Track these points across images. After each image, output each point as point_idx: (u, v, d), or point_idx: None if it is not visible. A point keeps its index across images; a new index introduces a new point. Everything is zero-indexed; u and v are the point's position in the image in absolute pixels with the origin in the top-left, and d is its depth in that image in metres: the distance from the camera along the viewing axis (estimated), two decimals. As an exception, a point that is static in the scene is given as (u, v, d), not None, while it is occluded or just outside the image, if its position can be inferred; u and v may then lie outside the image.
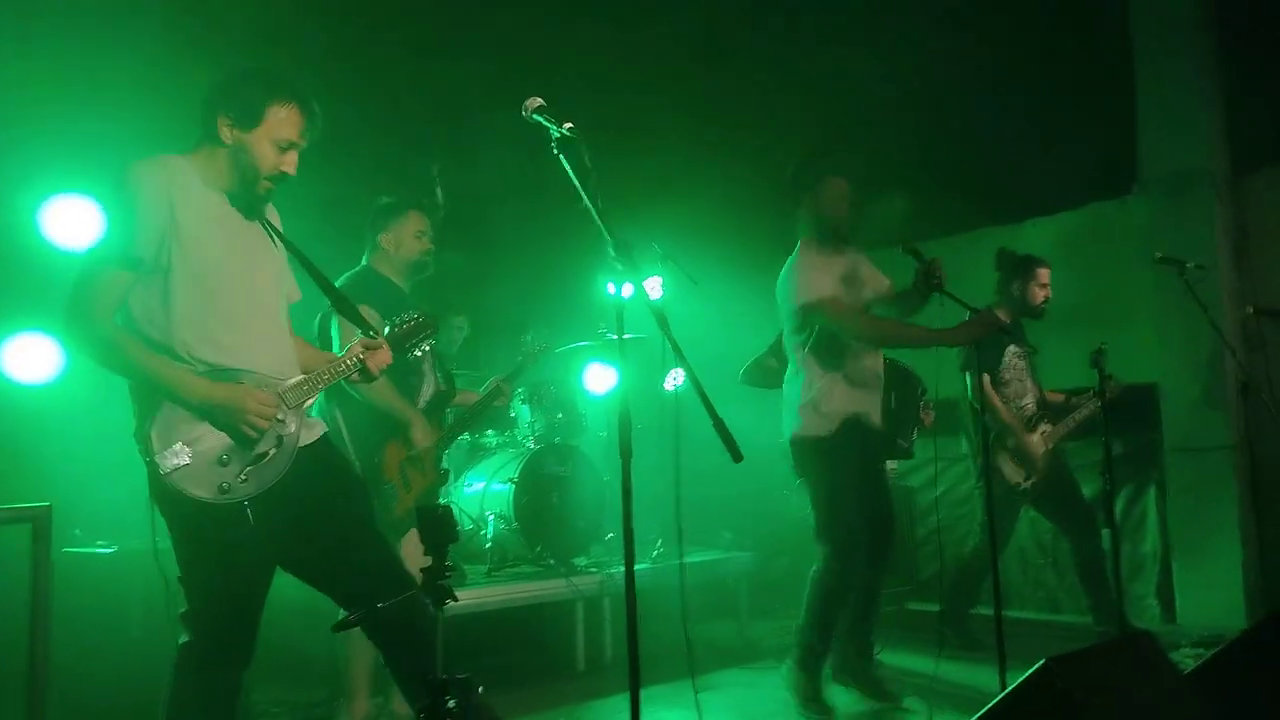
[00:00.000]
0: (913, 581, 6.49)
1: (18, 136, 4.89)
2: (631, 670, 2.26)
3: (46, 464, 4.33)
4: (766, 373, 4.94)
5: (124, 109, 4.99)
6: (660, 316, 2.61)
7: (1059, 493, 5.09)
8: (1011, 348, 5.10)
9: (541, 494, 5.25)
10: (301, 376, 2.70)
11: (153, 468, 2.46)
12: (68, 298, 2.47)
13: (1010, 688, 2.30)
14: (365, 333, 2.83)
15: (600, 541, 5.73)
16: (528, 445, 5.56)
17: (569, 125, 2.52)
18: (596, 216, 2.46)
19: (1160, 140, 5.81)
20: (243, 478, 2.51)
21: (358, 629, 2.67)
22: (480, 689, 2.15)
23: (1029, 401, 5.10)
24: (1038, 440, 5.00)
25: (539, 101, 2.57)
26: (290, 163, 2.66)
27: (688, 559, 5.34)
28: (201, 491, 2.46)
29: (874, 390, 4.09)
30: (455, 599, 2.11)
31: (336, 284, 3.89)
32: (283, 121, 2.61)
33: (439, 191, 5.82)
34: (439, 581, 2.06)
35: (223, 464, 2.50)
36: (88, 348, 2.48)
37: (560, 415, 5.65)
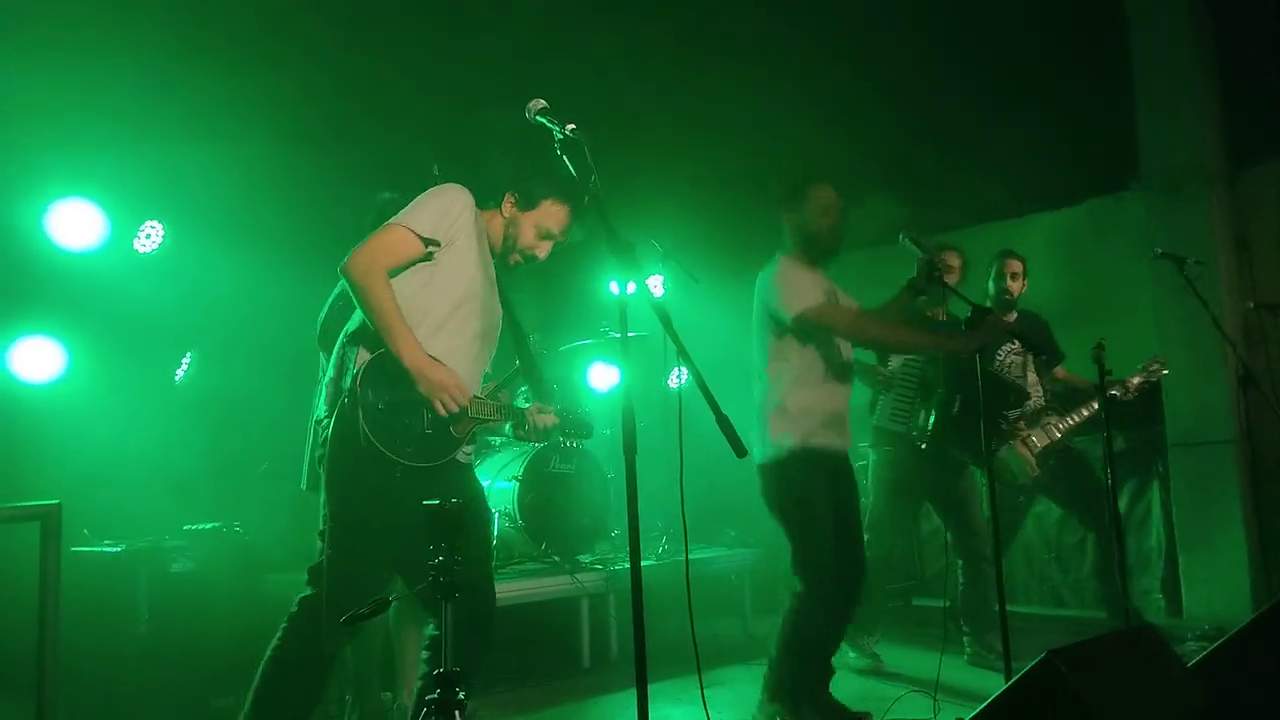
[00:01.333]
0: (918, 577, 6.51)
1: (25, 141, 4.92)
2: (638, 666, 2.27)
3: (55, 464, 4.36)
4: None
5: (129, 114, 5.02)
6: (663, 314, 2.63)
7: (1073, 484, 5.07)
8: (1006, 346, 5.11)
9: (546, 491, 5.27)
10: (482, 399, 2.99)
11: (348, 399, 2.72)
12: (366, 239, 2.83)
13: (1013, 679, 2.32)
14: (542, 400, 3.21)
15: (605, 538, 5.75)
16: (532, 443, 5.57)
17: (571, 126, 2.54)
18: (599, 217, 2.48)
19: (1159, 136, 5.82)
20: (410, 447, 2.76)
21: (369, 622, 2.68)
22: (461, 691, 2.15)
23: (1033, 396, 5.10)
24: (1040, 435, 5.00)
25: (542, 103, 2.59)
26: (544, 250, 3.14)
27: (692, 556, 5.36)
28: (378, 437, 2.70)
29: (844, 407, 3.96)
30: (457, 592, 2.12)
31: (340, 286, 3.93)
32: (552, 215, 3.11)
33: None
34: (447, 575, 2.08)
35: (403, 427, 2.75)
36: (359, 278, 2.77)
37: (579, 445, 5.64)
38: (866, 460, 5.18)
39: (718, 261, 4.71)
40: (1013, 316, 5.22)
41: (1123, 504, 5.77)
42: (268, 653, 2.80)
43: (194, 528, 4.25)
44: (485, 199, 3.10)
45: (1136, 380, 4.98)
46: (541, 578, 5.02)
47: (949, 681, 3.90)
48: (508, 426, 3.12)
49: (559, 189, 3.08)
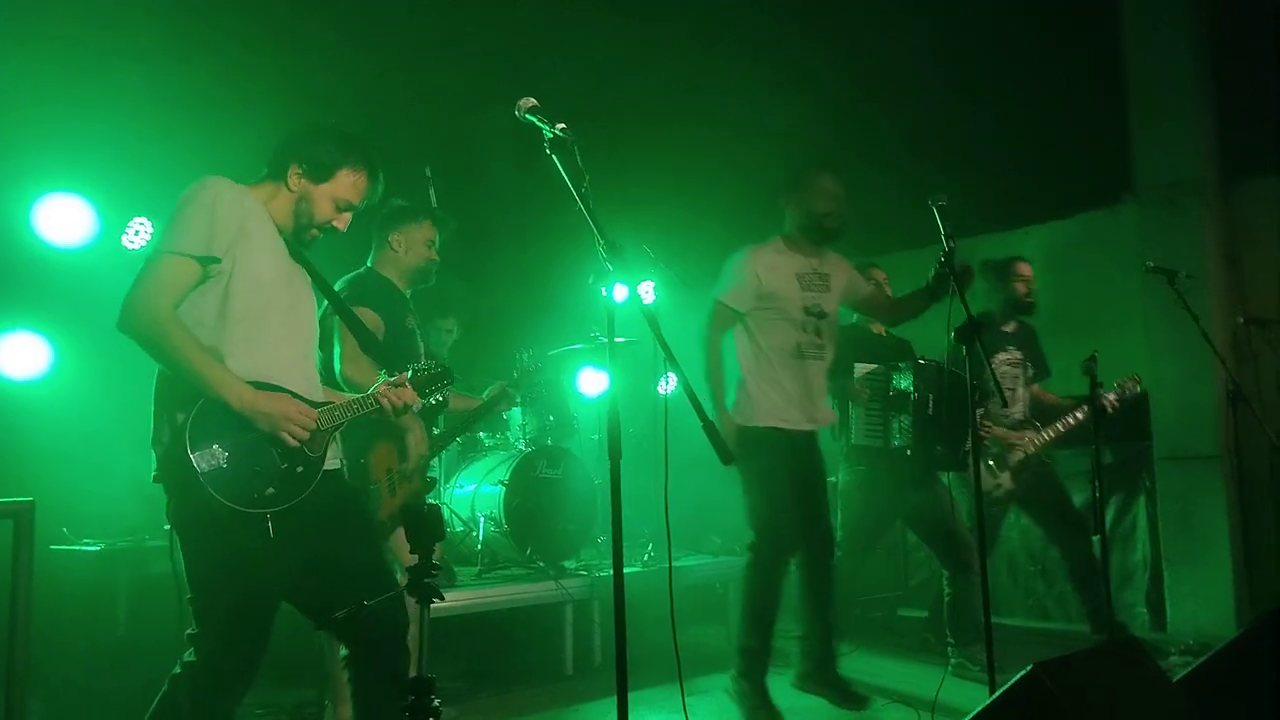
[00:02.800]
0: (903, 588, 6.50)
1: (12, 136, 4.89)
2: (619, 674, 2.25)
3: (34, 462, 4.32)
4: None
5: (118, 109, 4.99)
6: (652, 320, 2.61)
7: (1046, 499, 5.11)
8: (1001, 355, 5.11)
9: (532, 496, 5.24)
10: (330, 403, 2.74)
11: (183, 467, 2.41)
12: (135, 282, 2.49)
13: (998, 692, 2.30)
14: (391, 373, 2.89)
15: (590, 544, 5.73)
16: (519, 447, 5.55)
17: (561, 126, 2.52)
18: (589, 217, 2.46)
19: (1152, 149, 5.83)
20: (271, 490, 2.50)
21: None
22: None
23: (1017, 409, 5.10)
24: (1017, 450, 5.01)
25: (532, 102, 2.57)
26: (344, 221, 2.81)
27: (677, 563, 5.34)
28: (233, 498, 2.43)
29: (802, 395, 4.15)
30: (441, 598, 2.10)
31: (336, 286, 3.91)
32: (348, 185, 2.76)
33: (432, 194, 5.81)
34: (425, 580, 2.05)
35: (255, 474, 2.48)
36: (146, 331, 2.46)
37: (552, 418, 5.65)
38: (835, 479, 5.15)
39: (709, 267, 4.69)
40: (1013, 325, 5.22)
41: (1109, 518, 5.76)
42: (152, 713, 2.56)
43: (175, 527, 4.21)
44: (260, 172, 2.78)
45: (1112, 397, 4.98)
46: (526, 583, 4.99)
47: (931, 693, 3.88)
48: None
49: (351, 153, 2.75)
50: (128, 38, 4.88)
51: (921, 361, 4.77)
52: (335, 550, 2.66)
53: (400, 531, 3.84)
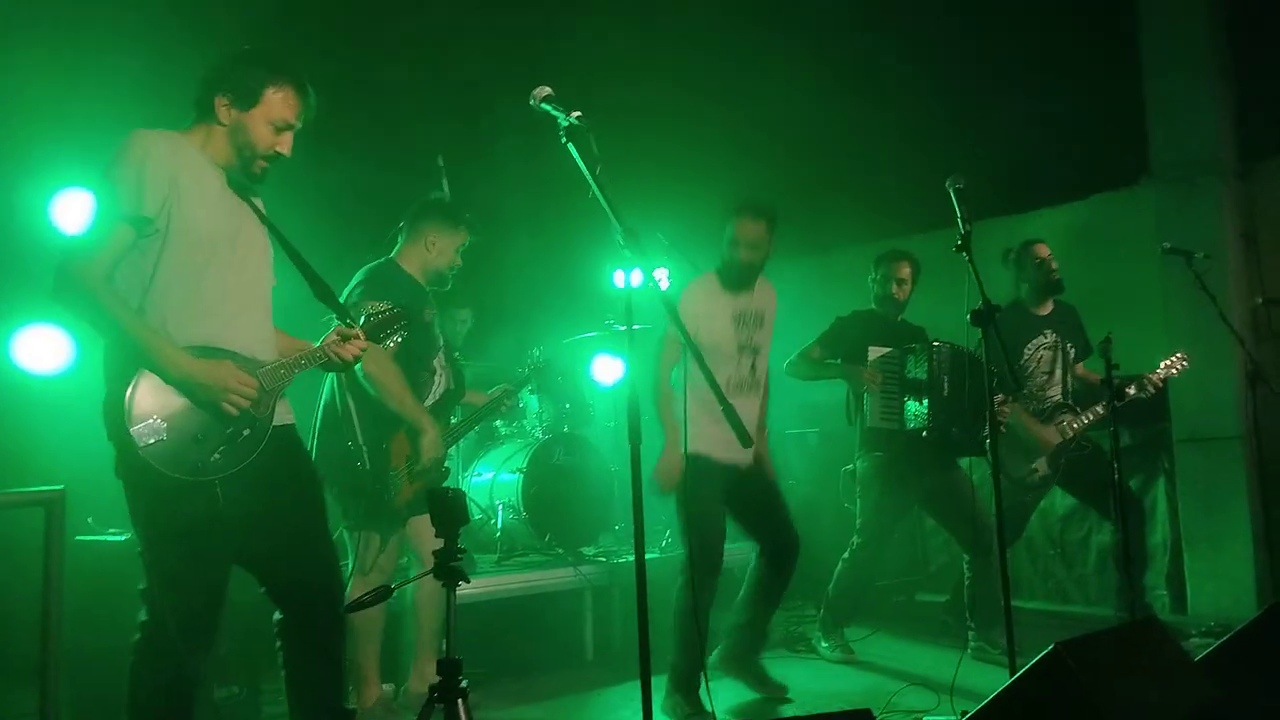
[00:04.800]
0: (922, 572, 6.50)
1: (30, 130, 4.91)
2: (642, 658, 2.27)
3: (59, 453, 4.35)
4: (812, 364, 4.96)
5: (134, 101, 5.00)
6: (670, 306, 2.62)
7: (1094, 478, 4.96)
8: (1036, 340, 5.08)
9: (549, 484, 5.27)
10: (279, 360, 2.69)
11: (124, 440, 2.40)
12: (65, 250, 2.47)
13: (1020, 671, 2.31)
14: (343, 321, 2.83)
15: (608, 531, 5.75)
16: (536, 435, 5.57)
17: (577, 114, 2.52)
18: (605, 204, 2.46)
19: (1169, 130, 5.79)
20: (216, 456, 2.48)
21: (370, 611, 2.66)
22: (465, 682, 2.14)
23: (1054, 393, 5.06)
24: (1053, 432, 4.97)
25: (547, 90, 2.58)
26: (286, 144, 2.71)
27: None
28: (176, 469, 2.42)
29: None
30: (468, 580, 2.12)
31: (359, 275, 3.92)
32: (279, 103, 2.66)
33: (445, 184, 5.82)
34: (451, 563, 2.07)
35: (197, 441, 2.46)
36: (80, 301, 2.43)
37: (568, 405, 5.67)
38: (853, 466, 5.16)
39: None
40: (1048, 307, 5.17)
41: (1129, 500, 5.75)
42: (126, 692, 2.56)
43: (198, 517, 4.24)
44: (184, 118, 2.70)
45: (1159, 376, 4.93)
46: (545, 570, 5.02)
47: (951, 676, 3.89)
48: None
49: (273, 70, 2.66)
50: (144, 30, 4.90)
51: (936, 344, 4.77)
52: (282, 512, 2.65)
53: (418, 519, 3.87)
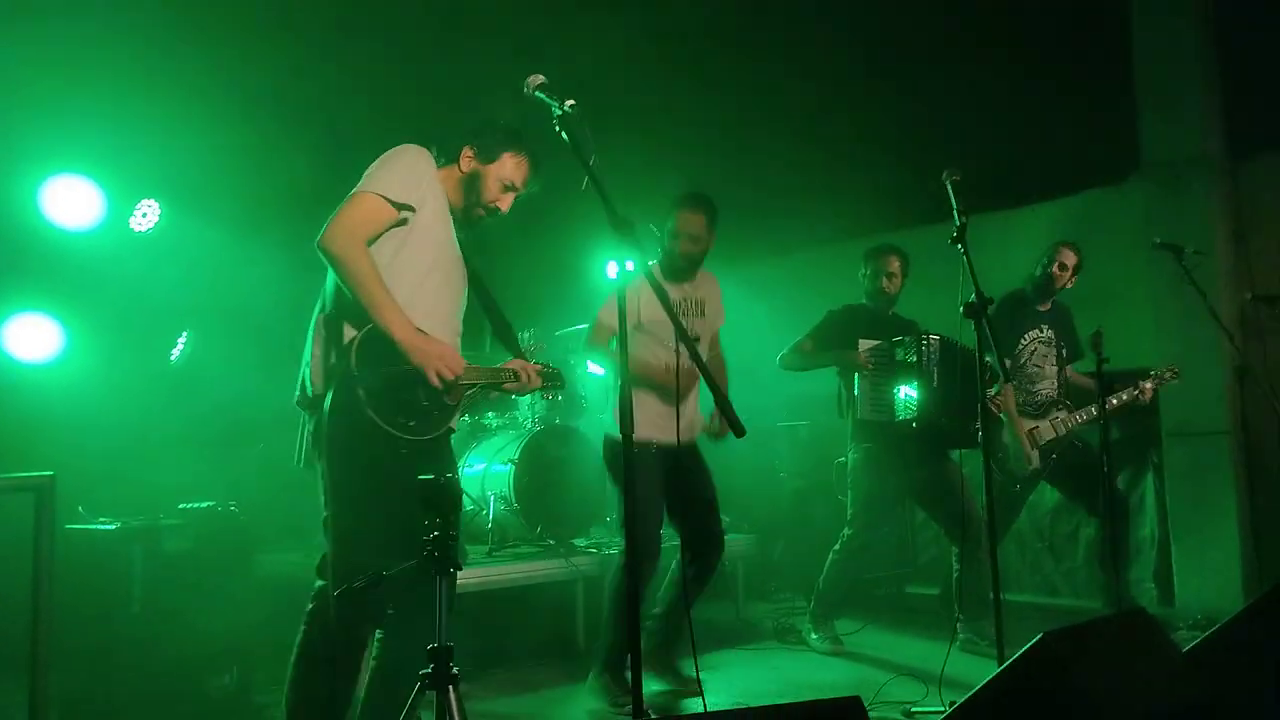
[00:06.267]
0: (911, 564, 6.52)
1: (18, 117, 4.89)
2: (633, 647, 2.27)
3: (49, 442, 4.34)
4: (803, 356, 4.98)
5: (122, 90, 4.99)
6: (663, 296, 2.62)
7: (1083, 475, 5.03)
8: (1033, 332, 5.11)
9: (541, 475, 5.27)
10: (471, 365, 2.89)
11: (346, 388, 2.63)
12: (340, 210, 2.74)
13: (1009, 660, 2.32)
14: (498, 329, 3.16)
15: (600, 523, 5.76)
16: (528, 426, 5.57)
17: (571, 102, 2.52)
18: (598, 193, 2.46)
19: (1159, 126, 5.80)
20: (412, 420, 2.72)
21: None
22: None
23: (1046, 387, 5.08)
24: (1046, 428, 4.99)
25: (541, 79, 2.57)
26: (506, 202, 3.07)
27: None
28: (383, 416, 2.65)
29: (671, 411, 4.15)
30: (460, 567, 2.12)
31: None
32: (513, 167, 3.03)
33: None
34: (444, 550, 2.07)
35: (401, 403, 2.70)
36: (342, 253, 2.68)
37: (560, 397, 5.67)
38: (844, 459, 5.18)
39: (717, 245, 4.70)
40: (1048, 305, 5.20)
41: (1116, 494, 5.78)
42: (295, 650, 2.75)
43: (189, 506, 4.24)
44: (438, 157, 3.03)
45: (1149, 385, 4.97)
46: (536, 561, 5.03)
47: (939, 667, 3.91)
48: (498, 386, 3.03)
49: (516, 140, 3.03)
50: (134, 18, 4.88)
51: (925, 336, 4.78)
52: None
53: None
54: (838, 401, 5.20)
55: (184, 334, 5.42)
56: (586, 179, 2.46)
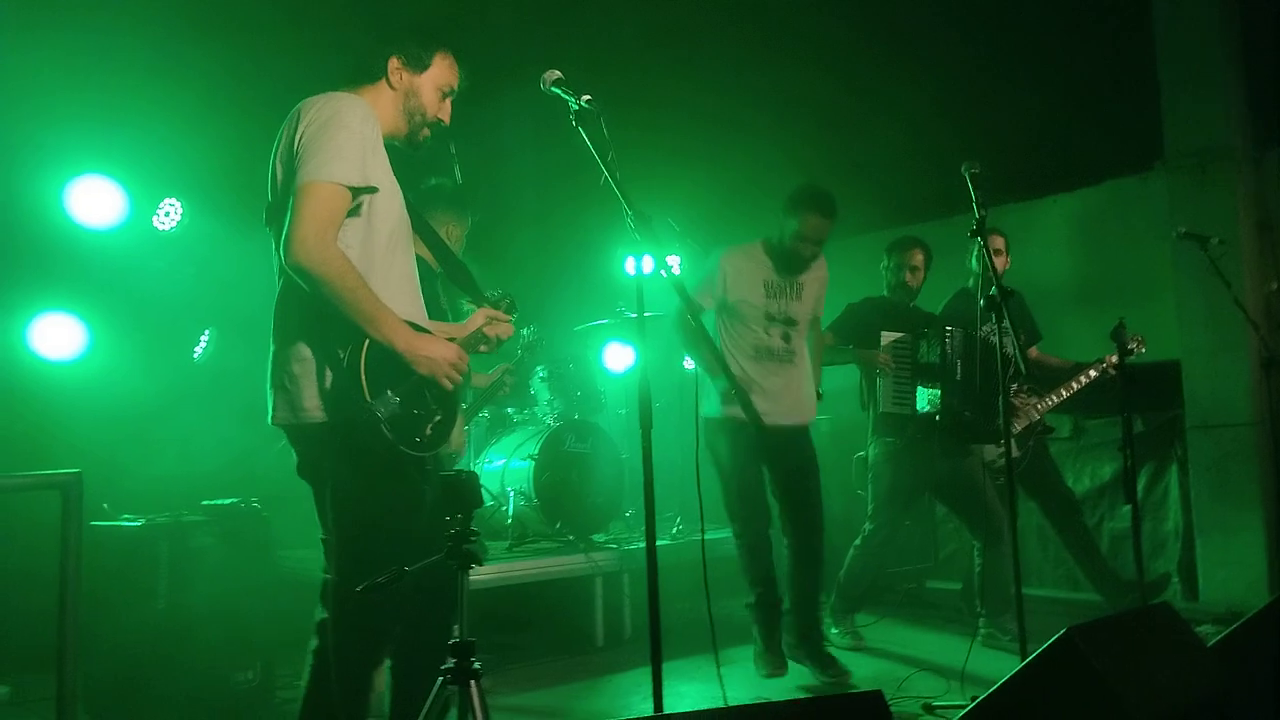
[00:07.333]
0: (932, 559, 6.49)
1: (43, 118, 4.93)
2: (654, 643, 2.27)
3: (74, 440, 4.39)
4: (825, 350, 4.98)
5: (146, 90, 5.02)
6: (682, 291, 2.62)
7: (1038, 475, 5.13)
8: (985, 327, 5.07)
9: (561, 471, 5.28)
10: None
11: (359, 411, 2.32)
12: (296, 214, 2.33)
13: (1032, 655, 2.31)
14: (479, 304, 2.80)
15: (619, 518, 5.77)
16: (547, 422, 5.59)
17: (587, 97, 2.52)
18: (615, 188, 2.46)
19: (1183, 115, 5.74)
20: (428, 431, 2.47)
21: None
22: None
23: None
24: (1019, 417, 4.99)
25: (557, 74, 2.57)
26: (447, 111, 2.70)
27: (707, 536, 5.36)
28: (403, 440, 2.38)
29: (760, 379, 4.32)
30: (481, 563, 2.12)
31: None
32: (446, 69, 2.67)
33: (457, 170, 5.82)
34: (465, 546, 2.08)
35: (415, 417, 2.43)
36: (319, 270, 2.31)
37: (579, 393, 5.68)
38: (865, 454, 5.17)
39: (736, 239, 4.70)
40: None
41: (1140, 487, 5.73)
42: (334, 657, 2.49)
43: (213, 503, 4.28)
44: (358, 77, 2.64)
45: (1113, 357, 4.92)
46: (556, 556, 5.04)
47: (961, 662, 3.90)
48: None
49: (439, 38, 2.67)
50: (156, 18, 4.91)
51: (949, 329, 4.76)
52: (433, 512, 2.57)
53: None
54: (860, 395, 5.18)
55: (206, 332, 5.46)
56: (605, 174, 2.46)
